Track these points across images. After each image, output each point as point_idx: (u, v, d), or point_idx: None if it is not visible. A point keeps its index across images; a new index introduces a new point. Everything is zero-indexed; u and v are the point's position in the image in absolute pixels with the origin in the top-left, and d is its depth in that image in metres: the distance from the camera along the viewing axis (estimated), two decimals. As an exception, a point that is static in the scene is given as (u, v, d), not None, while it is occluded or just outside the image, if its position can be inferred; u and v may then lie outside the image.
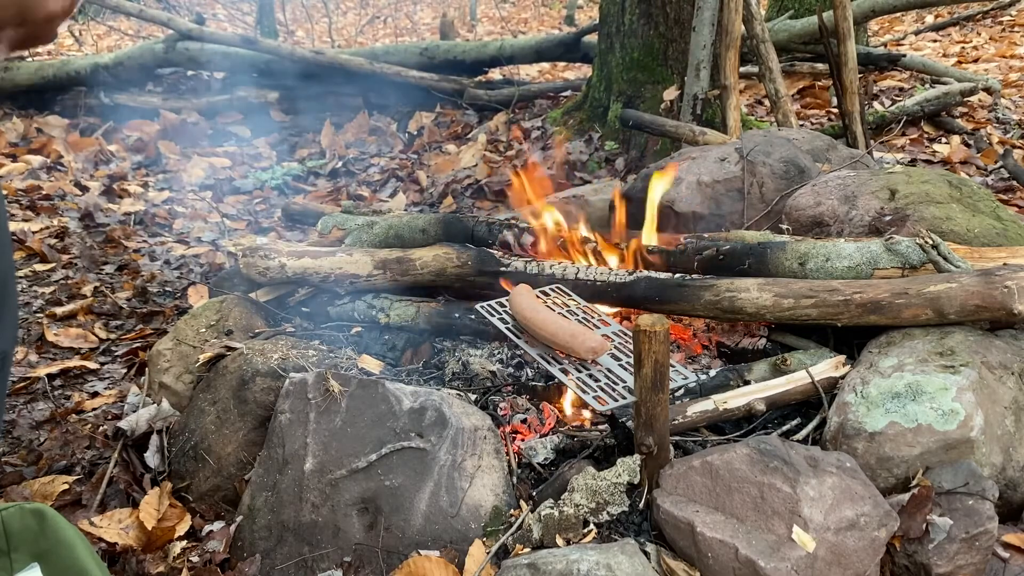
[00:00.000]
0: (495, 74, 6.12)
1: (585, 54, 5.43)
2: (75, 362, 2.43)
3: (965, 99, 4.37)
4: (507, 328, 1.84)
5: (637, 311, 1.98)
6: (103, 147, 4.80)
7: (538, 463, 1.59)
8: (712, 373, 1.75)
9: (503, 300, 1.93)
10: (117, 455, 1.82)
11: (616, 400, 1.52)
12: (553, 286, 1.97)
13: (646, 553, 1.32)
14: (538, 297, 1.86)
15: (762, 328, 1.91)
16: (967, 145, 3.84)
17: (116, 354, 2.52)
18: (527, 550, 1.38)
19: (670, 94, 3.67)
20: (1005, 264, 1.67)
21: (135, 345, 2.53)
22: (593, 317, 1.83)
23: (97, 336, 2.62)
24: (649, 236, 2.26)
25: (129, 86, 5.58)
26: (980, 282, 1.54)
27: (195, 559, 1.55)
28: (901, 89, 4.88)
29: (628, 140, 4.00)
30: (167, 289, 3.02)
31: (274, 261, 2.09)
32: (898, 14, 7.09)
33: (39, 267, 3.14)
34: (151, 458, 1.82)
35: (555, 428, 1.70)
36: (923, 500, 1.33)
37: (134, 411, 1.93)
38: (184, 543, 1.60)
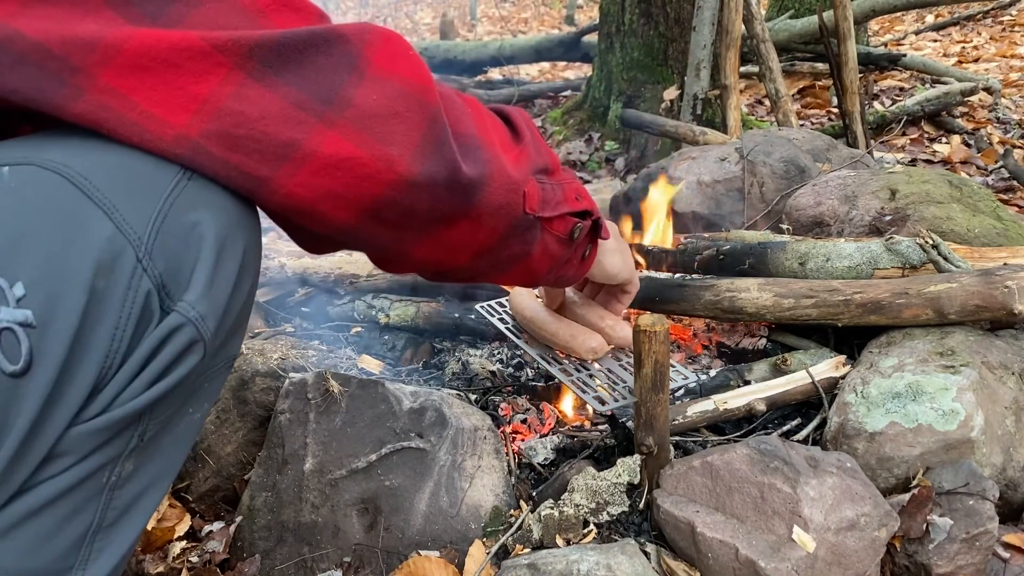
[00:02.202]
0: (495, 74, 6.12)
1: (585, 54, 5.43)
2: (75, 362, 2.43)
3: (965, 99, 4.36)
4: (507, 328, 1.83)
5: (637, 311, 1.98)
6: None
7: (538, 463, 1.59)
8: (712, 373, 1.75)
9: (503, 300, 1.93)
10: (117, 455, 1.82)
11: (616, 400, 1.52)
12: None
13: (646, 553, 1.32)
14: (538, 297, 1.86)
15: (762, 328, 1.91)
16: (967, 145, 3.84)
17: (116, 354, 2.52)
18: (527, 550, 1.38)
19: (670, 94, 3.67)
20: (1005, 264, 1.67)
21: (135, 345, 2.53)
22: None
23: (97, 336, 2.61)
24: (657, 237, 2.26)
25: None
26: (980, 282, 1.54)
27: (195, 559, 1.55)
28: (901, 89, 4.88)
29: (628, 140, 4.00)
30: (167, 289, 3.02)
31: (274, 261, 2.09)
32: (898, 14, 7.09)
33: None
34: (151, 458, 1.82)
35: (555, 428, 1.70)
36: (923, 500, 1.33)
37: (134, 411, 1.93)
38: (184, 543, 1.60)
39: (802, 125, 4.00)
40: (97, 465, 0.57)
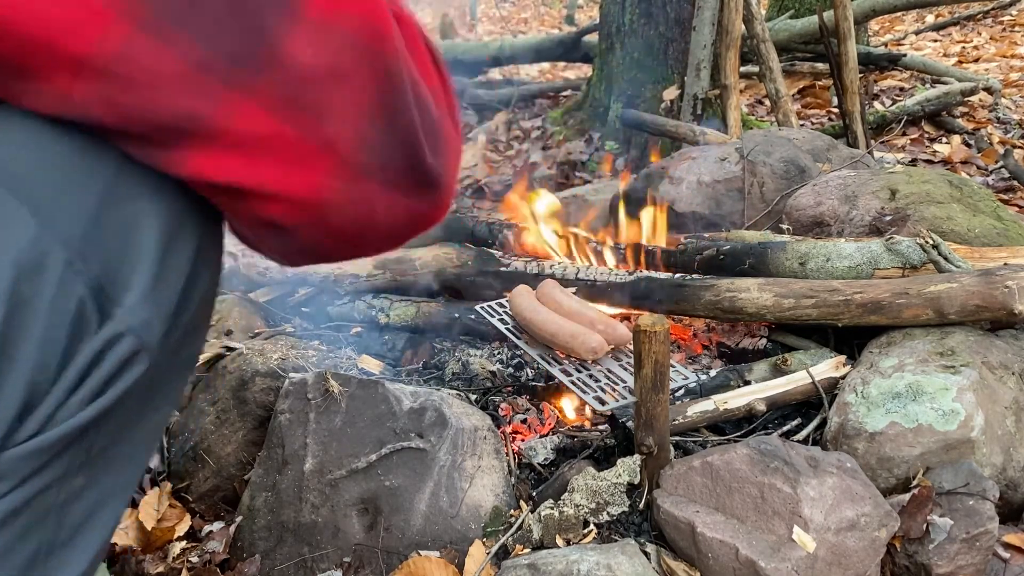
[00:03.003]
0: (495, 74, 6.12)
1: (585, 54, 5.42)
2: (75, 362, 2.42)
3: (965, 99, 4.36)
4: (507, 328, 1.84)
5: (637, 311, 1.98)
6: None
7: (538, 463, 1.59)
8: (712, 373, 1.75)
9: (503, 300, 1.93)
10: (117, 455, 1.82)
11: (616, 400, 1.52)
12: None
13: (646, 553, 1.32)
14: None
15: (762, 328, 1.90)
16: (968, 145, 3.84)
17: (116, 354, 2.52)
18: (527, 550, 1.38)
19: (670, 94, 3.67)
20: (1006, 264, 1.67)
21: (135, 345, 2.53)
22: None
23: (97, 336, 2.61)
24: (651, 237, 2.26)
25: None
26: (980, 282, 1.54)
27: (195, 559, 1.55)
28: (901, 89, 4.88)
29: (628, 140, 4.00)
30: (167, 289, 3.01)
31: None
32: (898, 14, 7.08)
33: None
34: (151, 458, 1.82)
35: (555, 428, 1.70)
36: (923, 500, 1.33)
37: (134, 411, 1.93)
38: (184, 543, 1.60)
39: (802, 125, 4.00)
40: (39, 487, 0.52)
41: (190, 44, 0.47)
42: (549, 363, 1.69)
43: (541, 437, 1.65)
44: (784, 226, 2.22)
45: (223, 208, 0.56)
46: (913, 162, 3.68)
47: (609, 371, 1.64)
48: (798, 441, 1.52)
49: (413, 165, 0.55)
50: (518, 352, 1.93)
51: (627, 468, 1.42)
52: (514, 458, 1.60)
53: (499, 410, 1.75)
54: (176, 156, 0.50)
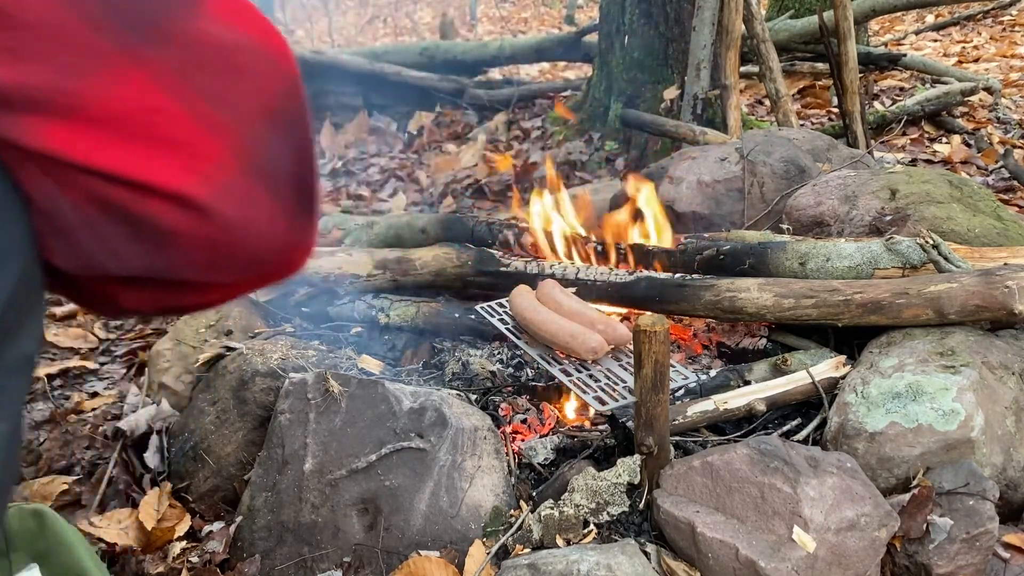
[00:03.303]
0: (495, 74, 6.12)
1: (585, 54, 5.42)
2: (75, 362, 2.43)
3: (965, 99, 4.36)
4: (507, 328, 1.84)
5: (637, 311, 1.98)
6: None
7: (538, 463, 1.59)
8: (712, 373, 1.75)
9: (503, 300, 1.93)
10: (117, 455, 1.82)
11: (616, 400, 1.52)
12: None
13: (646, 553, 1.32)
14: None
15: (762, 328, 1.90)
16: (968, 145, 3.84)
17: (116, 354, 2.52)
18: (527, 550, 1.38)
19: (670, 94, 3.67)
20: (1006, 264, 1.67)
21: (135, 345, 2.53)
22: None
23: (97, 336, 2.61)
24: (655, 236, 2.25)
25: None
26: (980, 282, 1.54)
27: (195, 559, 1.55)
28: (901, 89, 4.88)
29: (628, 140, 3.99)
30: (167, 289, 3.01)
31: (274, 261, 2.08)
32: (898, 14, 7.08)
33: (39, 267, 3.13)
34: (151, 458, 1.82)
35: (555, 428, 1.70)
36: (924, 500, 1.33)
37: (134, 411, 1.93)
38: (184, 543, 1.60)
39: (802, 125, 4.00)
40: None
41: (89, 3, 0.42)
42: (549, 363, 1.69)
43: (541, 437, 1.65)
44: (784, 226, 2.22)
45: (62, 189, 0.45)
46: (913, 162, 3.68)
47: (609, 371, 1.64)
48: (798, 441, 1.52)
49: (302, 185, 0.50)
50: (518, 352, 1.93)
51: (627, 468, 1.42)
52: (514, 458, 1.60)
53: (499, 410, 1.75)
54: (31, 123, 0.42)
